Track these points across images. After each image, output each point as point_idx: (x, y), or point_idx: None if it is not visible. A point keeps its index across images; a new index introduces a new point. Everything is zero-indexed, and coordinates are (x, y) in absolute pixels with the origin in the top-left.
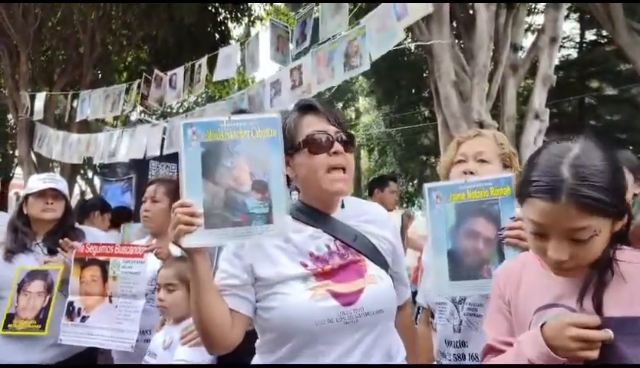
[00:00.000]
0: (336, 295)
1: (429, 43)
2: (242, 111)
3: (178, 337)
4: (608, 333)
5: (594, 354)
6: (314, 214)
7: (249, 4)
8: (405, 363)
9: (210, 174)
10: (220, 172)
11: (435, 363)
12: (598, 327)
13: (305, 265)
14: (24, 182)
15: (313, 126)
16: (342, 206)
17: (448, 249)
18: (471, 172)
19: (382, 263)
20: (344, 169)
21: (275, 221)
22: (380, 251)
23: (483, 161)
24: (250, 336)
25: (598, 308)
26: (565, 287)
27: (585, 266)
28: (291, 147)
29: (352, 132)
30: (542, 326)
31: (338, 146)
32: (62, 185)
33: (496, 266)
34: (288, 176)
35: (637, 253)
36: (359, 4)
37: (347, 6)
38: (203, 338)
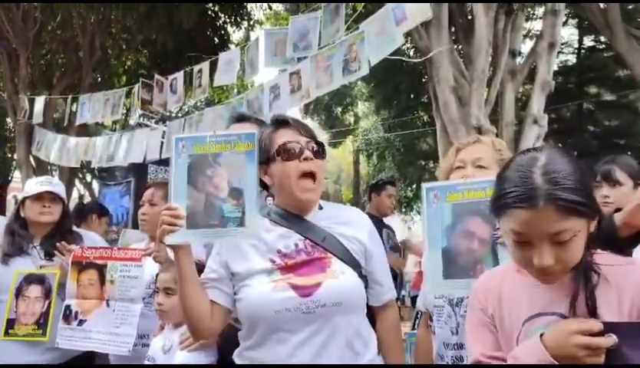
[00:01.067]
0: (295, 287)
1: (430, 54)
2: (242, 115)
3: (178, 341)
4: (613, 339)
5: (600, 360)
6: (288, 216)
7: (249, 9)
8: (378, 358)
9: (194, 182)
10: (202, 180)
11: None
12: (601, 333)
13: (273, 261)
14: (23, 186)
15: (286, 137)
16: (320, 208)
17: (443, 248)
18: None
19: (350, 261)
20: (314, 178)
21: (247, 224)
22: (349, 250)
23: (481, 167)
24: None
25: (593, 312)
26: (550, 295)
27: (568, 270)
28: (267, 158)
29: (348, 139)
30: (541, 335)
31: (308, 153)
32: (59, 188)
33: (489, 266)
34: (266, 184)
35: (614, 256)
36: (358, 9)
37: (343, 11)
38: (187, 324)
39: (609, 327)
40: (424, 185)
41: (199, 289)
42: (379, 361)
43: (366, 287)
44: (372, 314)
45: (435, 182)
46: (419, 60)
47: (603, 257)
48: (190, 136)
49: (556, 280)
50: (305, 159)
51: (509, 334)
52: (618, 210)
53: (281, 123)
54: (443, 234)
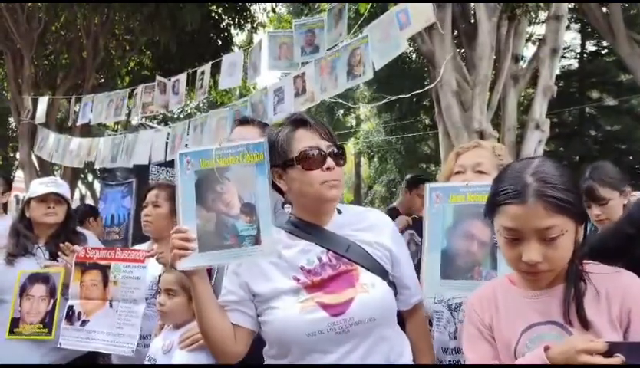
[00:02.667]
0: (325, 306)
1: (437, 77)
2: (245, 119)
3: (178, 342)
4: (620, 359)
5: None
6: (307, 227)
7: (252, 11)
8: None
9: (203, 200)
10: (212, 197)
11: None
12: (607, 351)
13: (298, 279)
14: (25, 185)
15: (305, 141)
16: (339, 212)
17: (442, 248)
18: None
19: (377, 270)
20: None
21: (263, 242)
22: (375, 258)
23: (481, 172)
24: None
25: (584, 323)
26: (545, 305)
27: (555, 273)
28: (284, 162)
29: (350, 142)
30: (545, 349)
31: (330, 162)
32: (64, 189)
33: (487, 269)
34: (281, 189)
35: (603, 266)
36: (362, 13)
37: (346, 15)
38: (211, 349)
39: (616, 348)
40: (428, 185)
41: (219, 313)
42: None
43: (395, 293)
44: (401, 317)
45: (438, 183)
46: (424, 54)
47: (593, 267)
48: (195, 150)
49: (543, 282)
50: (328, 168)
51: (506, 344)
52: None
53: (299, 123)
54: (444, 234)
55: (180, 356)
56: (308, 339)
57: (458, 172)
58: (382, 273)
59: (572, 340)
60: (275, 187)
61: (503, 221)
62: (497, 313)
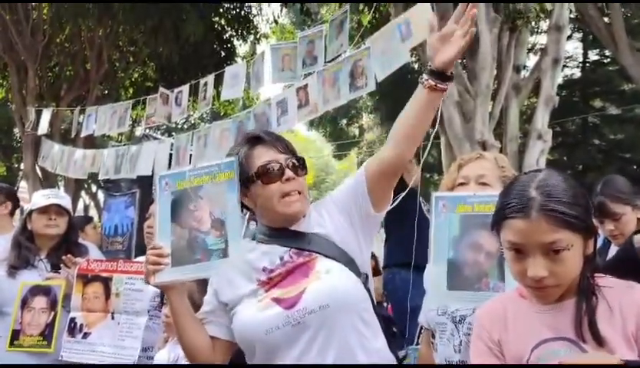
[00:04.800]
0: (279, 301)
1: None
2: (257, 137)
3: (183, 354)
4: None
5: None
6: (274, 232)
7: (255, 23)
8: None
9: (178, 218)
10: (185, 215)
11: None
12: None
13: (259, 280)
14: (29, 196)
15: (263, 156)
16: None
17: (449, 259)
18: None
19: (338, 255)
20: (298, 192)
21: (231, 255)
22: (335, 244)
23: (484, 184)
24: None
25: (597, 338)
26: (556, 320)
27: (563, 288)
28: (246, 178)
29: (353, 151)
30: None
31: (289, 173)
32: (66, 201)
33: (495, 280)
34: (248, 206)
35: (615, 280)
36: (365, 24)
37: (347, 26)
38: (190, 361)
39: (630, 364)
40: (434, 194)
41: (194, 326)
42: (387, 353)
43: (366, 276)
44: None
45: (445, 192)
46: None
47: (605, 281)
48: (172, 172)
49: (551, 297)
50: (287, 179)
51: (517, 360)
52: (637, 232)
53: (256, 140)
54: (450, 245)
55: None
56: (267, 337)
57: (461, 184)
58: (346, 261)
59: (586, 356)
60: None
61: (508, 236)
62: (506, 329)
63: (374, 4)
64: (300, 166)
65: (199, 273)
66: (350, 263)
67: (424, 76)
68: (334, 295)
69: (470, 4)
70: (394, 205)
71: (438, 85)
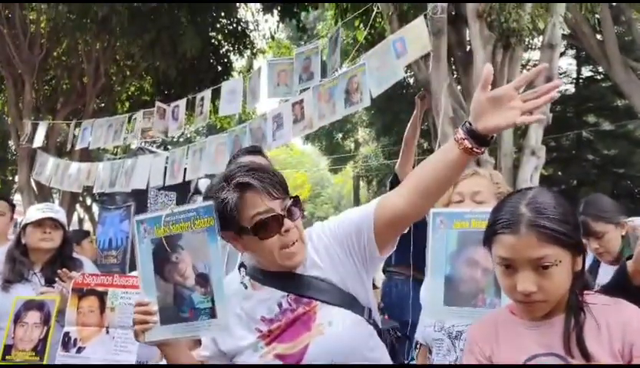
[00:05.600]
0: (282, 357)
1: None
2: (254, 148)
3: None
4: None
5: None
6: (273, 275)
7: (252, 38)
8: None
9: (161, 270)
10: (168, 268)
11: None
12: None
13: (260, 331)
14: (24, 209)
15: (256, 206)
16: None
17: (446, 274)
18: None
19: (340, 299)
20: (298, 240)
21: (219, 315)
22: (334, 285)
23: (479, 201)
24: None
25: (585, 354)
26: (546, 336)
27: (551, 304)
28: (239, 229)
29: (348, 165)
30: None
31: (288, 224)
32: (60, 215)
33: (491, 296)
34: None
35: (603, 296)
36: (361, 40)
37: (340, 41)
38: None
39: None
40: (432, 211)
41: None
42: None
43: (370, 314)
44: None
45: (442, 209)
46: (422, 82)
47: (593, 298)
48: (150, 216)
49: (539, 312)
50: (287, 230)
51: None
52: (630, 258)
53: (246, 186)
54: (447, 260)
55: None
56: None
57: (457, 201)
58: (346, 302)
59: None
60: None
61: (498, 251)
62: (498, 345)
63: (369, 21)
64: (297, 210)
65: (190, 333)
66: (352, 303)
67: (461, 133)
68: (338, 350)
69: (555, 82)
70: None
71: (474, 149)
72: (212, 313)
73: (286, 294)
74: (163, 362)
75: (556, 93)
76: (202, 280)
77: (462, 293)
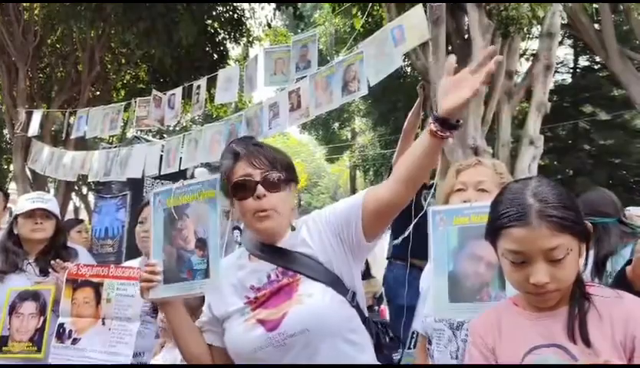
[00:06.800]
0: (263, 322)
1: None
2: (248, 137)
3: (180, 358)
4: None
5: None
6: (263, 247)
7: (248, 26)
8: None
9: (168, 236)
10: (174, 234)
11: None
12: None
13: (248, 298)
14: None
15: (239, 172)
16: (292, 229)
17: (449, 271)
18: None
19: (323, 276)
20: (273, 210)
21: (212, 275)
22: (320, 263)
23: (482, 190)
24: None
25: (587, 344)
26: (548, 328)
27: (562, 293)
28: (227, 193)
29: (345, 155)
30: None
31: (260, 190)
32: (52, 204)
33: (496, 290)
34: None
35: (605, 289)
36: (358, 28)
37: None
38: None
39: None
40: (430, 209)
41: (192, 334)
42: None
43: (358, 306)
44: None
45: (441, 206)
46: (422, 72)
47: (595, 290)
48: (164, 189)
49: (552, 301)
50: (259, 197)
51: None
52: (628, 263)
53: (236, 155)
54: (450, 257)
55: None
56: (253, 355)
57: (459, 190)
58: (330, 280)
59: (575, 366)
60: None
61: (508, 245)
62: (500, 337)
63: (367, 9)
64: (277, 183)
65: (185, 291)
66: (335, 282)
67: (430, 120)
68: (314, 320)
69: (494, 52)
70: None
71: (438, 133)
72: (206, 274)
73: (275, 267)
74: (160, 355)
75: (493, 65)
76: (201, 244)
77: (467, 288)
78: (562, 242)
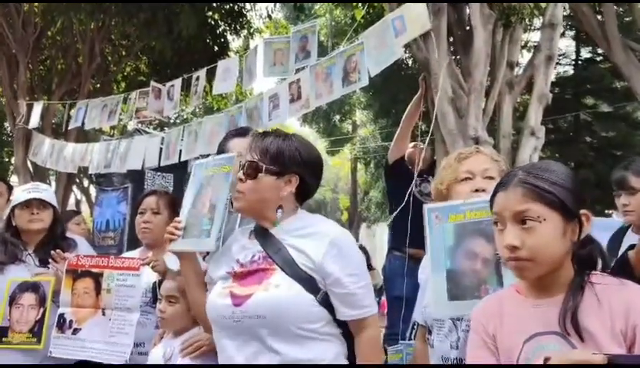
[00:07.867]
0: (233, 295)
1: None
2: (242, 130)
3: (178, 349)
4: None
5: None
6: (257, 228)
7: (248, 17)
8: None
9: (195, 200)
10: (198, 198)
11: None
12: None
13: (232, 269)
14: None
15: (236, 150)
16: (275, 225)
17: (447, 269)
18: (483, 190)
19: (297, 276)
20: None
21: (212, 236)
22: (297, 263)
23: (489, 178)
24: None
25: (579, 332)
26: (547, 315)
27: (541, 267)
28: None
29: (346, 147)
30: (545, 360)
31: (239, 173)
32: (48, 194)
33: (494, 286)
34: None
35: (609, 277)
36: (359, 19)
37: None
38: (202, 324)
39: (614, 359)
40: (426, 207)
41: (200, 290)
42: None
43: (329, 304)
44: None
45: (436, 204)
46: (420, 61)
47: (598, 278)
48: (200, 162)
49: (527, 272)
50: (240, 179)
51: (509, 354)
52: (632, 247)
53: (240, 132)
54: (447, 255)
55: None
56: (219, 320)
57: (466, 178)
58: (302, 279)
59: (572, 353)
60: None
61: (492, 210)
62: (501, 323)
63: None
64: (250, 172)
65: (194, 247)
66: (305, 280)
67: None
68: (274, 310)
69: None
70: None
71: None
72: (208, 234)
73: (262, 250)
74: (161, 343)
75: None
76: (212, 209)
77: (465, 286)
78: (531, 207)
